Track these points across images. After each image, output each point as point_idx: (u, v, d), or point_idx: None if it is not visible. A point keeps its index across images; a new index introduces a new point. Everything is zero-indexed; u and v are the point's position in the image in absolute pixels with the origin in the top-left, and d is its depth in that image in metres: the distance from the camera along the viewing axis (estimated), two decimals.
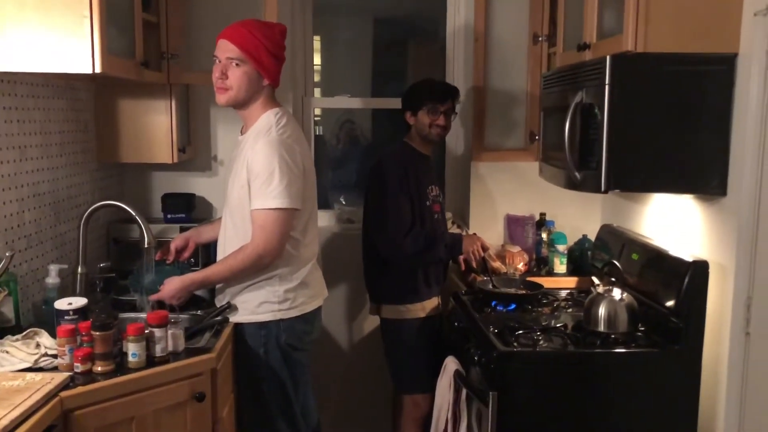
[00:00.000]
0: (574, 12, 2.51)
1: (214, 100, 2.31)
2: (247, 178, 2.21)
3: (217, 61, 2.26)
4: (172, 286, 2.27)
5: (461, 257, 2.91)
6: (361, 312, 3.40)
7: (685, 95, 2.10)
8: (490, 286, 2.79)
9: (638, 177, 2.17)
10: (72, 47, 1.96)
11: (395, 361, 2.91)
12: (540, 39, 3.05)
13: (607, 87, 2.08)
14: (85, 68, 1.98)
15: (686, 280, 2.13)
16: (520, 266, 2.97)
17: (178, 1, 2.80)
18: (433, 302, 2.88)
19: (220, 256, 2.38)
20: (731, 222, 2.08)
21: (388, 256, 2.79)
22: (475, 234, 2.98)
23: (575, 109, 2.23)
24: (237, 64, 2.23)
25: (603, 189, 2.13)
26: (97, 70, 1.98)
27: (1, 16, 1.94)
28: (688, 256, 2.19)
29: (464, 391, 2.37)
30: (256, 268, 2.24)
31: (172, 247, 2.53)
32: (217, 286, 2.39)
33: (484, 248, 2.85)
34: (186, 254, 2.56)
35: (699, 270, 2.13)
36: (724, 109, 2.08)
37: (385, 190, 2.77)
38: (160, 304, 2.30)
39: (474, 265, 2.90)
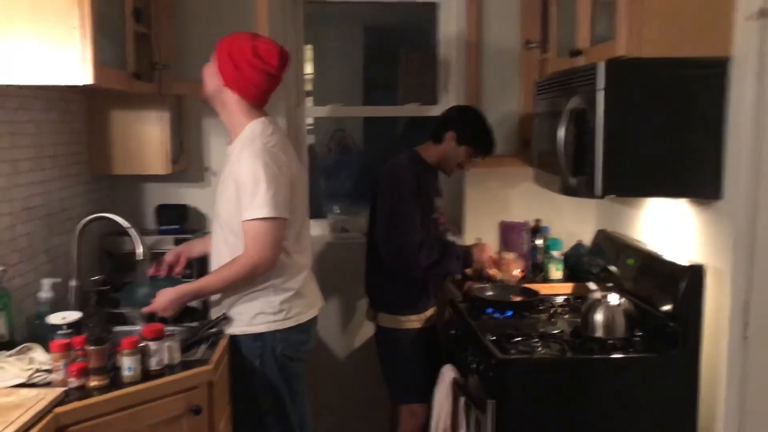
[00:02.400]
0: (566, 18, 2.52)
1: (207, 111, 2.31)
2: (235, 190, 2.20)
3: None
4: (165, 297, 2.25)
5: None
6: (357, 321, 3.38)
7: (678, 99, 2.10)
8: (486, 293, 2.79)
9: (634, 181, 2.16)
10: (63, 59, 1.94)
11: (391, 371, 2.89)
12: (532, 45, 3.05)
13: (600, 92, 2.08)
14: (77, 80, 1.96)
15: (683, 284, 2.13)
16: (516, 273, 2.97)
17: (170, 11, 2.79)
18: (429, 312, 2.86)
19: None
20: (727, 225, 2.08)
21: (399, 267, 2.75)
22: (482, 242, 2.96)
23: (569, 115, 2.23)
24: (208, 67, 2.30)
25: (598, 194, 2.13)
26: (89, 81, 1.96)
27: None
28: (685, 261, 2.19)
29: (462, 400, 2.36)
30: (250, 279, 2.23)
31: (165, 261, 2.52)
32: (212, 297, 2.38)
33: (492, 255, 2.88)
34: (178, 269, 2.55)
35: (695, 274, 2.13)
36: (718, 113, 2.08)
37: (397, 201, 2.73)
38: (152, 317, 2.28)
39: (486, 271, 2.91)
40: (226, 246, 2.29)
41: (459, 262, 2.79)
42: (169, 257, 2.54)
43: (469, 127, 2.80)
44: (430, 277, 2.79)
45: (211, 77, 2.30)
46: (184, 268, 2.57)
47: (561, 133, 2.23)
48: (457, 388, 2.40)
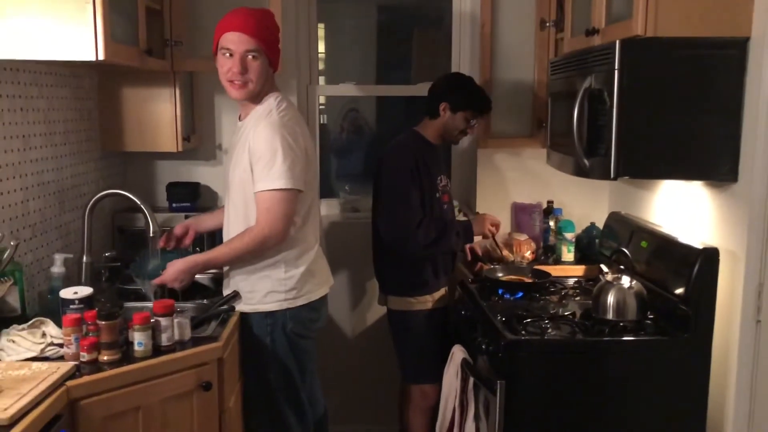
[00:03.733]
0: None
1: (219, 88, 2.28)
2: (250, 161, 2.20)
3: (227, 54, 2.20)
4: (175, 268, 2.26)
5: (468, 246, 2.91)
6: (368, 301, 3.39)
7: (695, 80, 2.07)
8: (497, 275, 2.78)
9: (648, 163, 2.14)
10: (75, 34, 1.94)
11: (403, 351, 2.90)
12: (547, 24, 3.01)
13: (616, 72, 2.05)
14: (89, 56, 1.95)
15: (696, 267, 2.11)
16: (528, 254, 2.96)
17: None
18: (440, 293, 2.86)
19: None
20: (742, 208, 2.06)
21: (398, 249, 2.74)
22: (481, 214, 2.94)
23: (584, 95, 2.20)
24: (254, 57, 2.20)
25: (612, 176, 2.11)
26: (101, 57, 1.96)
27: (3, 2, 1.92)
28: (698, 244, 2.17)
29: (471, 380, 2.36)
30: (261, 251, 2.23)
31: (173, 234, 2.53)
32: (224, 271, 2.38)
33: (495, 224, 2.87)
34: (187, 241, 2.56)
35: (709, 257, 2.11)
36: (736, 94, 2.05)
37: (395, 181, 2.73)
38: (162, 288, 2.29)
39: (491, 240, 2.90)
40: (237, 219, 2.29)
41: (459, 238, 2.79)
42: (177, 230, 2.55)
43: (460, 92, 2.79)
44: (431, 256, 2.78)
45: (263, 70, 2.22)
46: (192, 241, 2.58)
47: (575, 113, 2.21)
48: (467, 368, 2.40)
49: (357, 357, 3.46)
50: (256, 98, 2.28)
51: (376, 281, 2.97)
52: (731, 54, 2.04)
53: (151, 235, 2.40)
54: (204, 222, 2.62)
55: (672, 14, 1.99)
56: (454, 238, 2.76)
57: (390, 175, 2.76)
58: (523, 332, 2.21)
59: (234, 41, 2.18)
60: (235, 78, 2.21)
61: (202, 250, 2.78)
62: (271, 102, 2.27)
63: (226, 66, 2.21)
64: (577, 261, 2.99)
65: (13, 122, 2.14)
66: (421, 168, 2.74)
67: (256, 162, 2.18)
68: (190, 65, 2.81)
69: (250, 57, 2.19)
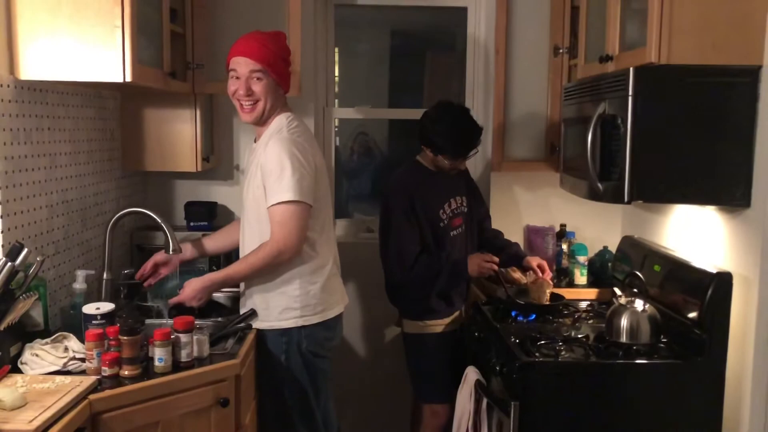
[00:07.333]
0: (596, 24, 2.53)
1: (237, 110, 2.35)
2: (262, 178, 2.25)
3: (235, 77, 2.29)
4: (193, 286, 2.30)
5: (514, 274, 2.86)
6: (381, 320, 3.41)
7: (708, 107, 2.10)
8: (514, 298, 2.79)
9: (662, 188, 2.17)
10: (103, 56, 2.00)
11: (414, 371, 2.91)
12: (560, 51, 3.06)
13: (630, 99, 2.09)
14: (116, 77, 2.01)
15: (710, 291, 2.13)
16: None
17: (203, 11, 2.84)
18: (453, 316, 2.87)
19: None
20: (755, 233, 2.08)
21: (396, 283, 2.82)
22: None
23: (597, 121, 2.24)
24: (259, 78, 2.27)
25: (626, 200, 2.14)
26: (128, 79, 2.02)
27: (35, 25, 1.98)
28: (712, 268, 2.19)
29: (485, 401, 2.37)
30: (275, 265, 2.27)
31: (150, 264, 2.52)
32: (241, 289, 2.42)
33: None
34: (164, 271, 2.53)
35: (723, 281, 2.13)
36: (748, 121, 2.08)
37: (389, 222, 2.77)
38: (180, 308, 2.32)
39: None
40: (252, 235, 2.34)
41: (454, 279, 2.77)
42: (157, 258, 2.54)
43: (437, 138, 2.71)
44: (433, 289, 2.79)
45: (269, 90, 2.29)
46: (171, 270, 2.56)
47: (589, 138, 2.25)
48: (480, 389, 2.41)
49: (369, 376, 3.47)
50: (267, 120, 2.35)
51: (388, 301, 2.99)
52: (744, 81, 2.08)
53: (170, 253, 2.44)
54: (209, 244, 2.64)
55: (685, 42, 2.04)
56: (445, 280, 2.73)
57: (384, 215, 2.81)
58: (537, 354, 2.22)
59: (240, 63, 2.28)
60: (242, 99, 2.29)
61: (218, 268, 2.82)
62: (282, 121, 2.33)
63: (233, 87, 2.31)
64: (590, 284, 3.01)
65: (41, 141, 2.20)
66: (418, 205, 2.73)
67: (267, 178, 2.23)
68: (211, 87, 2.87)
69: (255, 78, 2.27)
